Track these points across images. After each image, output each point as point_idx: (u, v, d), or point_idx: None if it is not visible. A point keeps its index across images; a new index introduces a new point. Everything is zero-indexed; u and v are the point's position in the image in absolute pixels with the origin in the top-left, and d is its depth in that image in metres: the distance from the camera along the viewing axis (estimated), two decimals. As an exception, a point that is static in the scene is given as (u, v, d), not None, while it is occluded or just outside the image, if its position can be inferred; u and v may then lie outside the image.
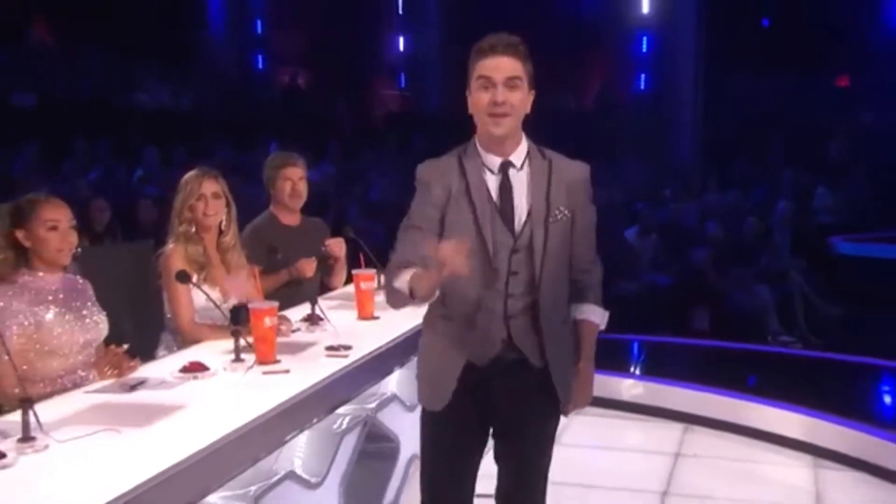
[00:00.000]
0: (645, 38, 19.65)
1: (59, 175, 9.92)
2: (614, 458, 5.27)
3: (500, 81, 2.72)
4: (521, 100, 2.78)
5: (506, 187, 2.82)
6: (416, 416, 4.15)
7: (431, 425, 2.98)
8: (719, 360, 7.03)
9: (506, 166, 2.81)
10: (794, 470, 4.97)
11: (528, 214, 2.82)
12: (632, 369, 6.59)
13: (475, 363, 2.85)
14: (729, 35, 17.91)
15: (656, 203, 11.79)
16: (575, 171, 2.90)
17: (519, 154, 2.83)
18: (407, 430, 4.17)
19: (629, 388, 6.00)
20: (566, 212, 2.84)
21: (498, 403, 2.90)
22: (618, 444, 5.48)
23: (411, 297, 2.64)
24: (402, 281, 2.65)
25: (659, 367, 6.58)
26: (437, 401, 2.89)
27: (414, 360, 3.54)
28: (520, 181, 2.83)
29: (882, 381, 6.42)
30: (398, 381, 4.29)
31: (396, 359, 3.95)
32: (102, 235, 7.25)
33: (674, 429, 5.60)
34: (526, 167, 2.83)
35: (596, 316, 3.02)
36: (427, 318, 2.98)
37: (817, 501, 4.54)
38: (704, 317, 8.54)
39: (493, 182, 2.82)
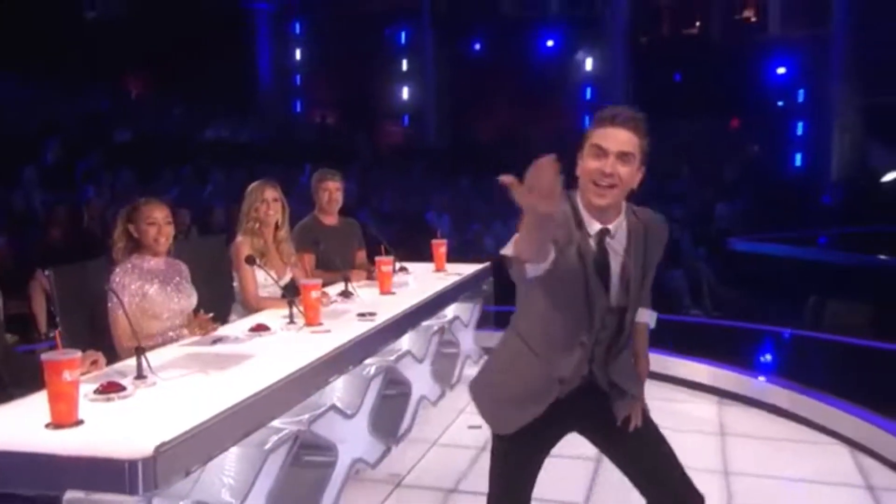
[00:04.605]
0: (589, 88, 19.79)
1: (149, 192, 9.87)
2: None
3: (613, 153, 2.10)
4: (630, 174, 2.13)
5: (602, 253, 2.17)
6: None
7: (505, 444, 2.30)
8: (653, 329, 7.02)
9: (602, 234, 2.16)
10: (704, 406, 4.98)
11: (621, 278, 2.18)
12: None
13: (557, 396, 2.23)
14: (650, 86, 18.05)
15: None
16: (662, 233, 2.28)
17: (617, 223, 2.17)
18: (417, 380, 4.20)
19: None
20: (651, 272, 2.26)
21: (572, 423, 2.32)
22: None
23: (517, 258, 2.02)
24: (507, 247, 2.04)
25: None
26: (509, 427, 2.26)
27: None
28: (614, 248, 2.18)
29: (764, 340, 6.48)
30: (411, 340, 4.27)
31: (409, 323, 3.94)
32: (184, 235, 7.28)
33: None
34: (620, 234, 2.18)
35: (647, 317, 2.43)
36: (508, 350, 2.32)
37: (721, 428, 4.55)
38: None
39: (592, 244, 2.17)
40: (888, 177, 17.19)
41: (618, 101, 19.57)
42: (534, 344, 2.23)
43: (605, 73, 19.24)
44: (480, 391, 2.38)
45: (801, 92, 18.44)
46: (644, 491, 2.30)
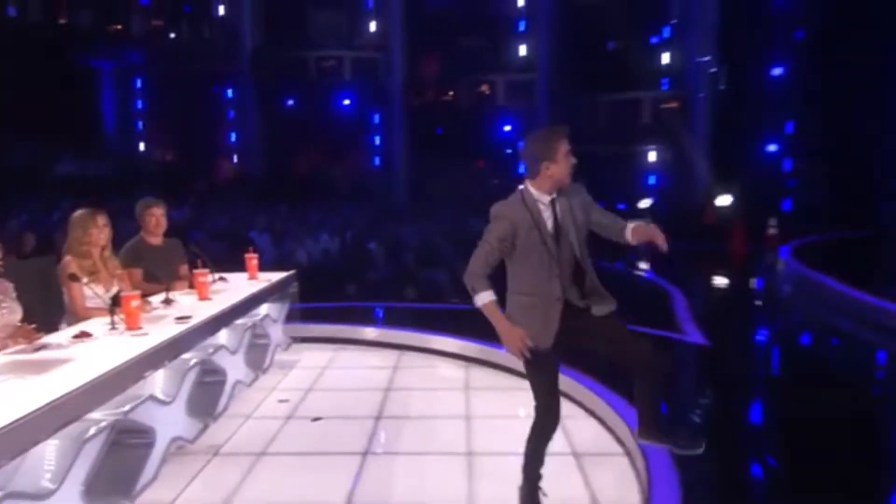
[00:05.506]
0: (377, 136, 20.25)
1: (-2, 219, 8.47)
2: (363, 372, 5.13)
3: None
4: None
5: (555, 214, 2.51)
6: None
7: (541, 358, 2.54)
8: (420, 315, 6.92)
9: (553, 201, 2.51)
10: (455, 369, 5.05)
11: (568, 230, 2.51)
12: (374, 322, 6.48)
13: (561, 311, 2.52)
14: (420, 137, 18.74)
15: (385, 227, 11.91)
16: (581, 192, 2.58)
17: (554, 193, 2.52)
18: (231, 368, 3.92)
19: (372, 332, 5.86)
20: (583, 218, 2.53)
21: (566, 332, 2.52)
22: (365, 364, 5.33)
23: (481, 308, 2.48)
24: (483, 299, 2.46)
25: (389, 319, 6.56)
26: (549, 341, 2.52)
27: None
28: (559, 208, 2.52)
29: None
30: (227, 337, 3.98)
31: (222, 322, 3.68)
32: (29, 255, 6.33)
33: (394, 353, 5.51)
34: (557, 200, 2.52)
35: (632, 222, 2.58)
36: (517, 304, 2.56)
37: (465, 384, 4.67)
38: (412, 292, 8.67)
39: (546, 212, 2.50)
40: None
41: (397, 148, 20.10)
42: (528, 291, 2.53)
43: (388, 126, 19.90)
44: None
45: (521, 143, 20.04)
46: (620, 358, 2.57)
